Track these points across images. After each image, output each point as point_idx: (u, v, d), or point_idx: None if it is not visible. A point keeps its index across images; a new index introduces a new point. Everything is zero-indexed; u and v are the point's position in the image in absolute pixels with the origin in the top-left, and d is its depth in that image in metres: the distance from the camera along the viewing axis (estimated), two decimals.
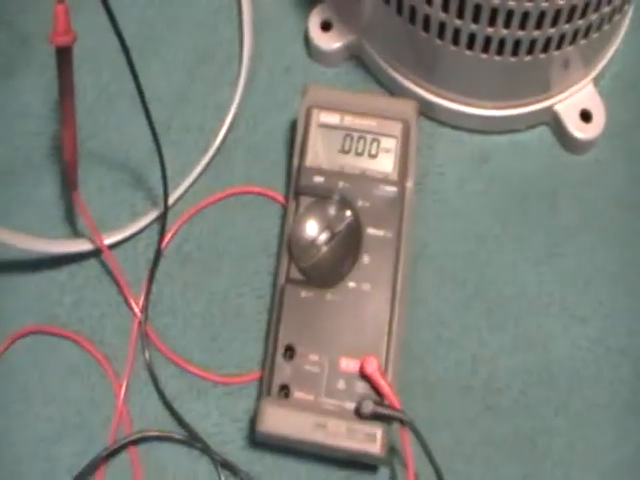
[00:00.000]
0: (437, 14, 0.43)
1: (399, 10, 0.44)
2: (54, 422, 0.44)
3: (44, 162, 0.49)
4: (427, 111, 0.49)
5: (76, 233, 0.47)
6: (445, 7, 0.42)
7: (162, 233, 0.46)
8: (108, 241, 0.46)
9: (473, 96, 0.48)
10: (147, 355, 0.45)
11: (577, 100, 0.48)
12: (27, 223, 0.47)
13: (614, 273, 0.46)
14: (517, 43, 0.43)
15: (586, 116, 0.48)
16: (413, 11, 0.44)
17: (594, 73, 0.48)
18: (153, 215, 0.47)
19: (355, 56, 0.51)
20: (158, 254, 0.46)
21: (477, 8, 0.41)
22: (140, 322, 0.45)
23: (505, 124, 0.49)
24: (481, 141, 0.49)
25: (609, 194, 0.48)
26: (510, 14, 0.41)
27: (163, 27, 0.52)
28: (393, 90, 0.50)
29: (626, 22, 0.49)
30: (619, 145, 0.49)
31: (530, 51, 0.44)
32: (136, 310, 0.45)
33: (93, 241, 0.46)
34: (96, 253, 0.46)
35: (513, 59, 0.44)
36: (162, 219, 0.46)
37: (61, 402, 0.44)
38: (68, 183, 0.45)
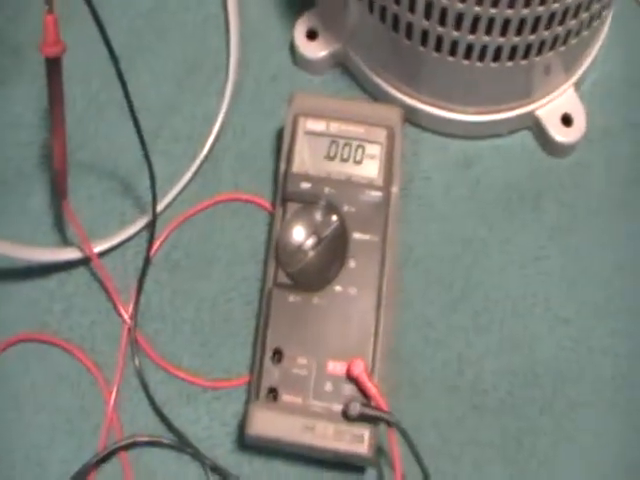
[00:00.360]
0: (420, 22, 0.43)
1: (382, 18, 0.45)
2: (45, 429, 0.44)
3: (34, 171, 0.49)
4: (412, 117, 0.49)
5: (66, 241, 0.48)
6: (427, 15, 0.43)
7: (151, 241, 0.46)
8: (97, 249, 0.46)
9: (456, 102, 0.48)
10: (137, 361, 0.45)
11: (558, 105, 0.49)
12: (17, 231, 0.47)
13: (596, 274, 0.47)
14: (498, 49, 0.44)
15: (567, 120, 0.49)
16: (396, 19, 0.44)
17: (575, 78, 0.49)
18: (142, 223, 0.47)
19: (340, 64, 0.51)
20: (147, 261, 0.46)
21: (459, 15, 0.42)
22: (130, 329, 0.46)
23: (488, 129, 0.50)
24: (465, 146, 0.50)
25: (591, 196, 0.48)
26: (491, 21, 0.42)
27: (152, 37, 0.52)
28: (378, 97, 0.50)
29: (605, 28, 0.50)
30: (600, 148, 0.49)
31: (511, 57, 0.44)
32: (125, 317, 0.46)
33: (82, 249, 0.46)
34: (86, 261, 0.47)
35: (495, 65, 0.45)
36: (151, 227, 0.46)
37: (52, 409, 0.45)
38: (58, 192, 0.45)
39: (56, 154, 0.43)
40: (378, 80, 0.50)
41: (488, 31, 0.43)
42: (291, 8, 0.52)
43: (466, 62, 0.45)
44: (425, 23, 0.43)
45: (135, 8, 0.53)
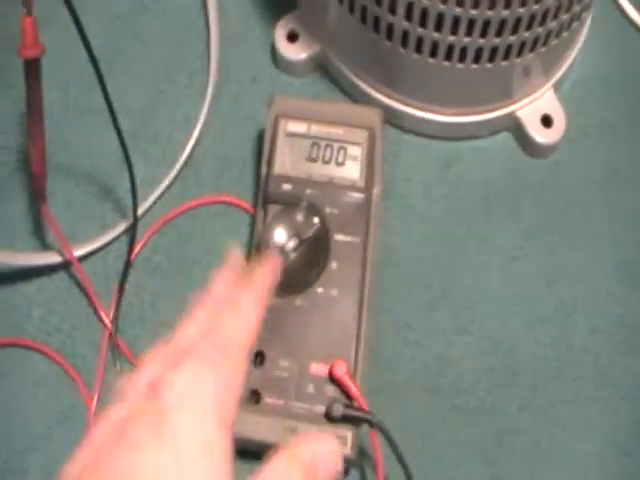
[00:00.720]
0: (400, 23, 0.44)
1: (363, 19, 0.45)
2: (25, 435, 0.44)
3: (12, 175, 0.49)
4: (392, 118, 0.49)
5: (45, 246, 0.47)
6: (408, 16, 0.43)
7: (132, 244, 0.46)
8: (77, 253, 0.46)
9: (436, 103, 0.49)
10: (118, 366, 0.45)
11: (538, 106, 0.49)
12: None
13: (575, 273, 0.47)
14: (479, 51, 0.44)
15: (547, 121, 0.49)
16: (377, 20, 0.45)
17: (554, 79, 0.50)
18: (122, 227, 0.47)
19: (321, 66, 0.51)
20: (128, 265, 0.46)
21: (439, 17, 0.42)
22: (111, 334, 0.45)
23: (468, 130, 0.50)
24: (445, 147, 0.50)
25: (569, 196, 0.49)
26: (472, 22, 0.42)
27: (131, 40, 0.52)
28: (359, 99, 0.50)
29: (585, 29, 0.51)
30: (579, 149, 0.50)
31: (491, 58, 0.45)
32: (106, 322, 0.46)
33: (62, 253, 0.46)
34: (66, 265, 0.46)
35: (475, 66, 0.45)
36: (131, 230, 0.46)
37: (31, 415, 0.44)
38: (37, 196, 0.45)
39: (34, 158, 0.42)
40: (358, 82, 0.50)
41: (469, 32, 0.43)
42: (271, 10, 0.52)
43: (447, 63, 0.45)
44: (406, 24, 0.43)
45: (114, 10, 0.53)
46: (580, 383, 0.45)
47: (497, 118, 0.49)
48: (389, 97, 0.49)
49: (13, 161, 0.49)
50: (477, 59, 0.45)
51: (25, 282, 0.46)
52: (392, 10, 0.43)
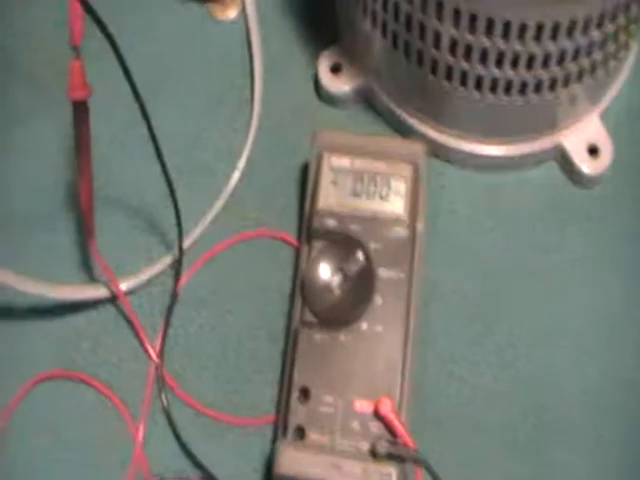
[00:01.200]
0: (445, 57, 0.43)
1: (407, 53, 0.45)
2: (73, 465, 0.44)
3: (61, 209, 0.50)
4: (436, 151, 0.49)
5: (93, 279, 0.48)
6: (452, 51, 0.43)
7: (177, 278, 0.47)
8: (124, 287, 0.46)
9: (481, 135, 0.48)
10: (163, 398, 0.45)
11: (584, 135, 0.48)
12: (45, 270, 0.47)
13: (622, 306, 0.46)
14: (524, 83, 0.44)
15: (593, 151, 0.48)
16: (421, 54, 0.44)
17: (601, 108, 0.49)
18: (168, 260, 0.48)
19: (365, 98, 0.51)
20: (174, 299, 0.46)
21: (484, 51, 0.42)
22: (156, 366, 0.46)
23: (513, 161, 0.49)
24: (490, 179, 0.49)
25: (616, 228, 0.48)
26: (517, 56, 0.42)
27: (176, 73, 0.53)
28: (403, 131, 0.50)
29: (631, 57, 0.50)
30: (626, 179, 0.49)
31: (537, 90, 0.44)
32: (152, 354, 0.46)
33: (109, 287, 0.46)
34: (113, 299, 0.47)
35: (520, 99, 0.45)
36: (177, 264, 0.47)
37: (79, 445, 0.45)
38: (85, 230, 0.45)
39: (83, 194, 0.43)
40: (402, 114, 0.49)
41: (514, 66, 0.43)
42: (314, 42, 0.52)
43: (491, 96, 0.45)
44: (450, 59, 0.43)
45: (157, 45, 0.53)
46: (628, 419, 0.44)
47: (542, 148, 0.49)
48: (434, 129, 0.49)
49: (62, 195, 0.50)
50: (522, 91, 0.44)
51: (73, 315, 0.47)
52: (436, 45, 0.43)
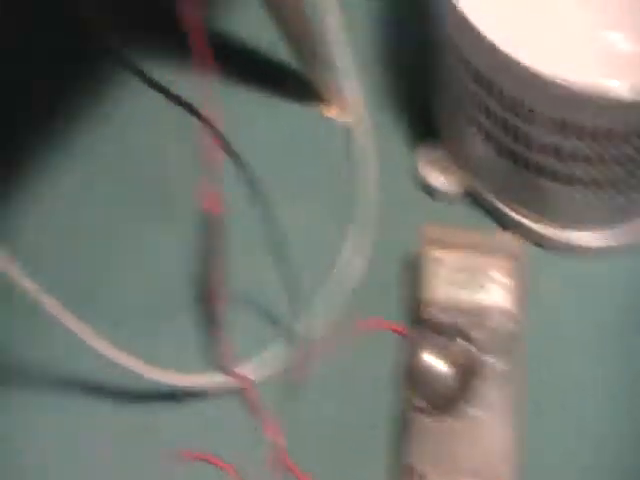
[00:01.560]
0: (536, 157, 0.46)
1: (499, 152, 0.48)
2: None
3: (189, 301, 0.54)
4: (539, 241, 0.52)
5: (219, 367, 0.51)
6: (544, 151, 0.46)
7: (296, 368, 0.50)
8: (251, 376, 0.50)
9: (581, 226, 0.51)
10: None
11: None
12: (176, 360, 0.50)
13: None
14: (615, 179, 0.46)
15: None
16: (513, 153, 0.47)
17: None
18: (290, 351, 0.51)
19: (467, 191, 0.54)
20: (294, 387, 0.50)
21: (573, 154, 0.45)
22: (278, 450, 0.49)
23: (615, 248, 0.51)
24: (594, 267, 0.51)
25: None
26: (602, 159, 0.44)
27: (292, 184, 0.56)
28: (505, 223, 0.53)
29: None
30: None
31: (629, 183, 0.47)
32: (276, 440, 0.49)
33: (235, 375, 0.50)
34: (239, 387, 0.50)
35: (615, 192, 0.47)
36: (298, 356, 0.50)
37: None
38: (213, 324, 0.50)
39: (213, 289, 0.47)
40: (504, 208, 0.52)
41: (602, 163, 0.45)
42: (415, 138, 0.55)
43: (585, 190, 0.47)
44: (541, 158, 0.46)
45: (273, 157, 0.57)
46: None
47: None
48: (536, 221, 0.51)
49: (189, 288, 0.54)
50: (615, 186, 0.47)
51: (202, 402, 0.51)
52: (528, 146, 0.46)
